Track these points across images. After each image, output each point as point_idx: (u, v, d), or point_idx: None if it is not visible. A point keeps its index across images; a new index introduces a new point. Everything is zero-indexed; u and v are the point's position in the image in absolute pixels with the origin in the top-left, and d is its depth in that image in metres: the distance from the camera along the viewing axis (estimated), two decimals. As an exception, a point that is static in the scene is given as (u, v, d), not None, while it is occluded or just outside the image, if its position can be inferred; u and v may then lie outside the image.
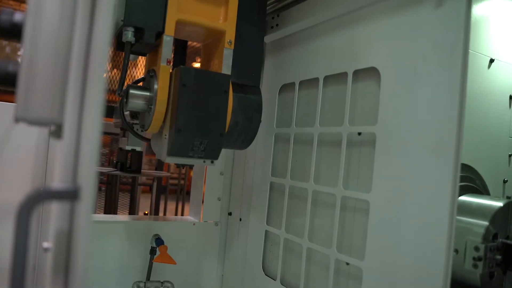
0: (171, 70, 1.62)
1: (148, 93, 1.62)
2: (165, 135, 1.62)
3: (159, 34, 1.59)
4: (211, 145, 1.62)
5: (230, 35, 1.69)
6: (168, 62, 1.59)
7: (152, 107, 1.61)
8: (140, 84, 1.76)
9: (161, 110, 1.60)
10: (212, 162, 1.70)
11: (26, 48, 0.64)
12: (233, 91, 1.70)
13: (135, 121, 1.85)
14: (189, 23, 1.64)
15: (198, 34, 1.78)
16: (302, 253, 1.80)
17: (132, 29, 1.54)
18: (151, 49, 1.70)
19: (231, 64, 1.69)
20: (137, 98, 1.62)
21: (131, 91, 1.61)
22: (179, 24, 1.61)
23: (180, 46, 1.92)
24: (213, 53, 1.77)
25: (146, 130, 1.68)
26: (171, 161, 1.64)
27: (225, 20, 1.69)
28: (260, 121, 1.77)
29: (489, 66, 2.14)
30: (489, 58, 2.15)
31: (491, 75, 2.16)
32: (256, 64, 1.80)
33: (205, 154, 1.64)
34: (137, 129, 1.96)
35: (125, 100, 1.63)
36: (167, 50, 1.59)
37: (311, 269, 1.82)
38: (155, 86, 1.60)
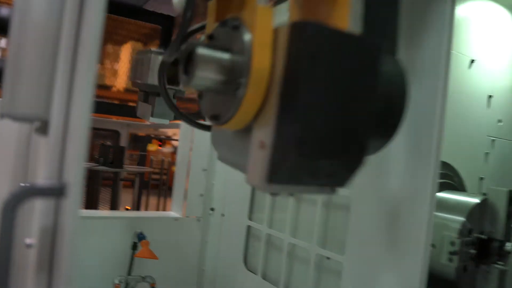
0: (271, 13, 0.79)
1: (231, 57, 0.77)
2: (263, 142, 0.72)
3: None
4: (345, 165, 0.80)
5: None
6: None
7: (242, 80, 0.75)
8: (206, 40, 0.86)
9: (260, 88, 0.75)
10: (333, 190, 0.85)
11: (13, 42, 0.63)
12: None
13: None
14: None
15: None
16: (283, 248, 1.82)
17: None
18: None
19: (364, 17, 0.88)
20: (211, 65, 0.77)
21: (200, 51, 0.75)
22: None
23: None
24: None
25: (222, 125, 0.81)
26: (270, 190, 0.76)
27: None
28: (404, 108, 0.99)
29: (469, 66, 2.20)
30: (470, 59, 2.20)
31: (472, 75, 2.21)
32: (391, 17, 1.00)
33: (331, 179, 0.83)
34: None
35: (183, 68, 0.78)
36: None
37: (293, 264, 1.84)
38: (246, 42, 0.75)
